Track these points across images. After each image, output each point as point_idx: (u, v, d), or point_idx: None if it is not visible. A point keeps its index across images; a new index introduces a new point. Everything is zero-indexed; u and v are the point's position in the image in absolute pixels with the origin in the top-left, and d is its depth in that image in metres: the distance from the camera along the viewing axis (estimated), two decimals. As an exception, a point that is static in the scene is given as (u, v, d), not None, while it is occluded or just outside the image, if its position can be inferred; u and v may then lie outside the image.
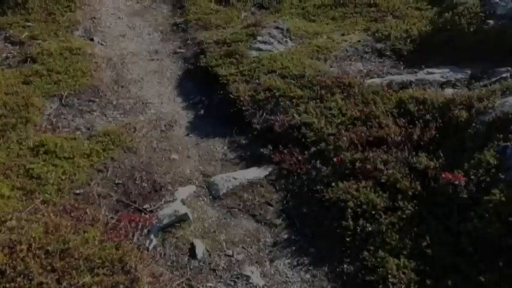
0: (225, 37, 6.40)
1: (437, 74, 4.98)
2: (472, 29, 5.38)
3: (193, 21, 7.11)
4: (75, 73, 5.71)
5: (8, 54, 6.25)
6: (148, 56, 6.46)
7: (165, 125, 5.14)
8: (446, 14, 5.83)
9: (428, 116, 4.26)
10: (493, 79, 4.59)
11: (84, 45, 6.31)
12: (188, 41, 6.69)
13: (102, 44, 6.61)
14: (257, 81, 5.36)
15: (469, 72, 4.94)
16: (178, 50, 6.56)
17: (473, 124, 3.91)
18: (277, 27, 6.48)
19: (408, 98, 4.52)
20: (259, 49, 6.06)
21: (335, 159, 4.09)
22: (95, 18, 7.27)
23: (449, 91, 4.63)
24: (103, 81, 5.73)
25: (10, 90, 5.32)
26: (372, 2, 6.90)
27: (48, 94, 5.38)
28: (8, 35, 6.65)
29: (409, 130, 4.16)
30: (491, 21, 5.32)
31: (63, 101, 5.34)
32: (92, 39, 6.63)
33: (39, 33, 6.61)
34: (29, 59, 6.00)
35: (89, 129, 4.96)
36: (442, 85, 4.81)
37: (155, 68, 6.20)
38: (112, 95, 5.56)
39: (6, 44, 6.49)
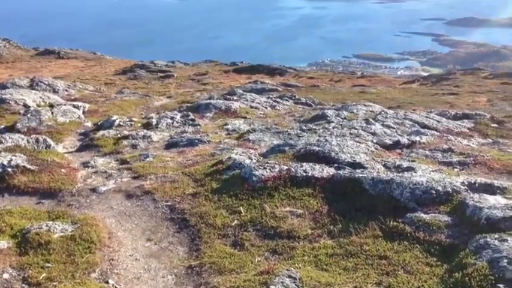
0: (238, 284, 6.45)
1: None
2: (482, 292, 5.39)
3: (208, 265, 7.26)
4: (85, 322, 5.70)
5: (23, 300, 6.34)
6: (161, 301, 6.48)
7: None
8: (457, 274, 5.89)
9: None
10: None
11: (98, 289, 6.39)
12: (201, 286, 6.74)
13: (116, 288, 6.69)
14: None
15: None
16: (190, 292, 6.59)
17: None
18: (289, 276, 6.54)
19: None
20: (271, 300, 6.06)
21: None
22: (112, 260, 7.48)
23: None
24: (112, 331, 5.66)
25: None
26: (382, 254, 7.04)
27: None
28: (26, 275, 6.77)
29: None
30: (501, 286, 5.31)
31: None
32: (107, 282, 6.73)
33: (57, 275, 6.74)
34: (41, 306, 6.04)
35: None
36: None
37: (166, 316, 6.16)
38: None
39: (23, 285, 6.58)
